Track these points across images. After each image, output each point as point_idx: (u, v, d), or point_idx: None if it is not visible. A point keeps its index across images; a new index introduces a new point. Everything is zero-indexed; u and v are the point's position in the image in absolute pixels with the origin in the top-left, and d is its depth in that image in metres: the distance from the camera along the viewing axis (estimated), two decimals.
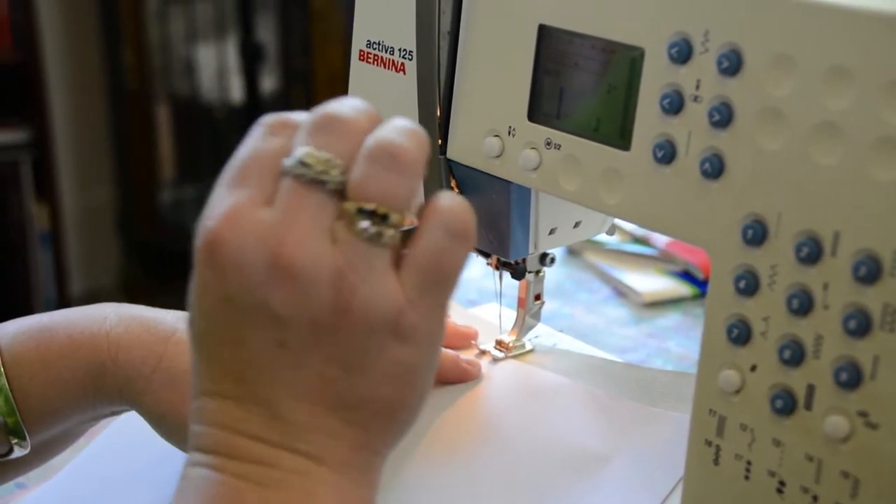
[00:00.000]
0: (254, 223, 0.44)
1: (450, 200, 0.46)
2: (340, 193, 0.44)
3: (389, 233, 0.44)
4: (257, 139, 0.46)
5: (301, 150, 0.45)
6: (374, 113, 0.47)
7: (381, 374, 0.45)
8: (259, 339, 0.44)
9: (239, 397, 0.45)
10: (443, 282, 0.45)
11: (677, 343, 0.91)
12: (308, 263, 0.43)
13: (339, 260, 0.44)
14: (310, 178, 0.44)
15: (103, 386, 0.64)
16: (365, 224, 0.44)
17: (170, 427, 0.64)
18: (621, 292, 1.00)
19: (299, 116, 0.47)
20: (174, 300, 0.73)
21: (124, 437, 0.75)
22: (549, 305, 0.91)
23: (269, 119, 0.47)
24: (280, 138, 0.46)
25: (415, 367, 0.45)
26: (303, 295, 0.43)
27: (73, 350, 0.63)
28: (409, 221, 0.45)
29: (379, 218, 0.44)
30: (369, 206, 0.44)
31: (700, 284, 1.00)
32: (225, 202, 0.45)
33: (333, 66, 2.41)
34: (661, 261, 1.04)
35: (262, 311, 0.44)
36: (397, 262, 0.45)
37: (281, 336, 0.44)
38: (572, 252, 1.07)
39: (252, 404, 0.45)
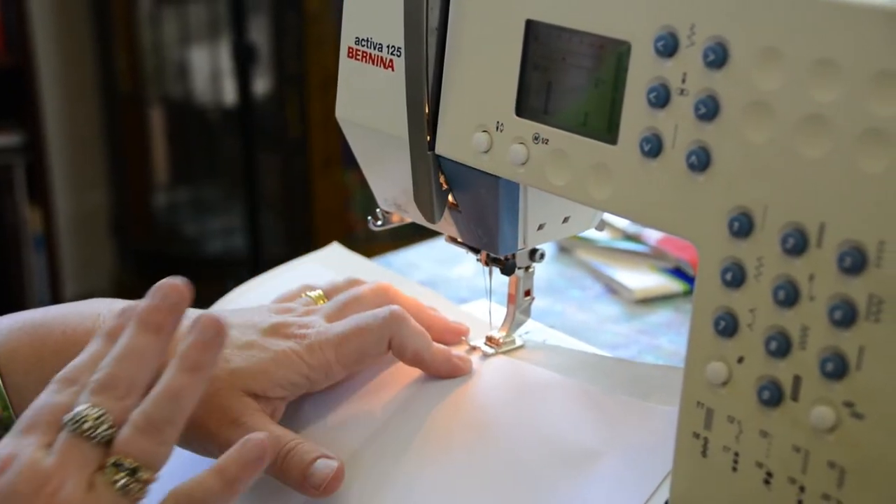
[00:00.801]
0: (30, 464, 0.51)
1: None
2: (110, 444, 0.53)
3: (137, 487, 0.53)
4: (48, 393, 0.55)
5: (77, 409, 0.53)
6: (153, 359, 0.55)
7: None
8: None
9: None
10: None
11: (669, 340, 0.91)
12: (61, 500, 0.51)
13: (88, 502, 0.52)
14: (80, 433, 0.52)
15: None
16: (117, 477, 0.52)
17: None
18: (613, 289, 1.00)
19: (91, 369, 0.55)
20: None
21: None
22: (540, 303, 0.91)
23: (60, 374, 0.56)
24: (66, 394, 0.54)
25: None
26: None
27: (67, 346, 0.64)
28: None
29: (130, 473, 0.53)
30: (125, 462, 0.52)
31: (691, 281, 1.00)
32: (9, 446, 0.53)
33: (327, 69, 2.41)
34: (653, 258, 1.04)
35: None
36: None
37: None
38: (564, 249, 1.07)
39: None
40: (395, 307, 0.70)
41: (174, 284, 0.57)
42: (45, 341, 0.64)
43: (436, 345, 0.72)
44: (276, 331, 0.68)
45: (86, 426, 0.53)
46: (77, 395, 0.54)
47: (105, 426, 0.53)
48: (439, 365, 0.72)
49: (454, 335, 0.76)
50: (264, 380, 0.65)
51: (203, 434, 0.64)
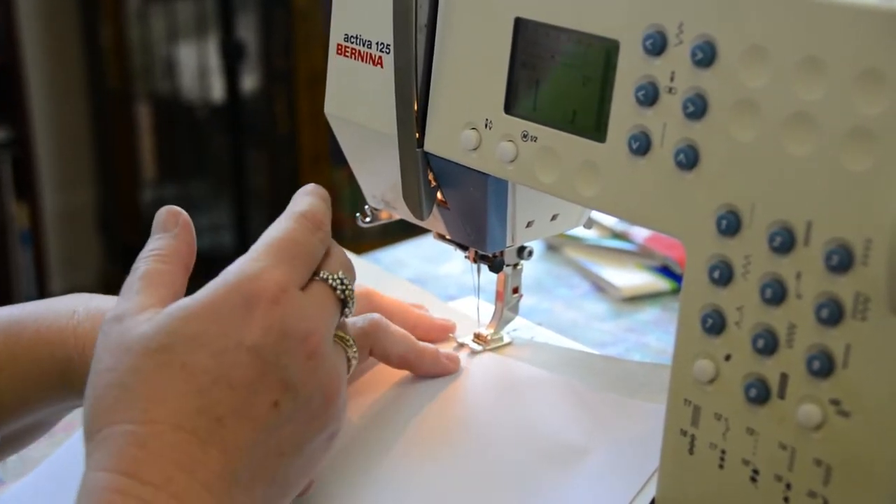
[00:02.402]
0: (300, 303, 0.53)
1: None
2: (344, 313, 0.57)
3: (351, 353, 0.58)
4: (304, 231, 0.56)
5: (336, 274, 0.56)
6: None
7: (307, 463, 0.54)
8: (263, 391, 0.51)
9: (207, 440, 0.49)
10: None
11: (656, 337, 0.91)
12: (328, 352, 0.54)
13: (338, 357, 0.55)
14: (338, 295, 0.56)
15: (72, 379, 0.64)
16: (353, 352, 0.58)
17: None
18: (600, 287, 1.01)
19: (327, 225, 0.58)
20: None
21: None
22: (528, 301, 0.91)
23: (307, 212, 0.58)
24: (317, 240, 0.57)
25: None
26: (315, 373, 0.52)
27: (40, 344, 0.63)
28: None
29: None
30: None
31: (678, 279, 1.00)
32: (278, 272, 0.53)
33: (315, 66, 2.41)
34: (640, 256, 1.05)
35: (278, 372, 0.51)
36: None
37: (279, 398, 0.51)
38: (552, 247, 1.07)
39: (217, 451, 0.49)
40: (373, 316, 0.68)
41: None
42: (19, 339, 0.63)
43: (423, 344, 0.71)
44: None
45: (347, 293, 0.56)
46: (322, 243, 0.57)
47: (353, 301, 0.57)
48: (427, 366, 0.71)
49: (441, 332, 0.76)
50: None
51: None
